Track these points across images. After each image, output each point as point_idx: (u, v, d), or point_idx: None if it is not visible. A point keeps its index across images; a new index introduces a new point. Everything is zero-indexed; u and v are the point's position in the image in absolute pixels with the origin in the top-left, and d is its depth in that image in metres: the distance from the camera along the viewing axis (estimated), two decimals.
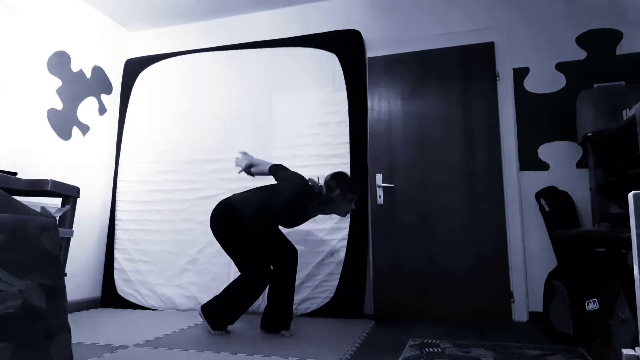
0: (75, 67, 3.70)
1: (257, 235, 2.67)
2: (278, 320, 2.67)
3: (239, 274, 2.68)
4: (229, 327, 2.73)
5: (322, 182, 2.68)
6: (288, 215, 2.71)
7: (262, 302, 3.32)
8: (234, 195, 2.77)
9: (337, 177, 2.67)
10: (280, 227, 2.88)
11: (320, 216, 3.34)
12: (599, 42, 3.17)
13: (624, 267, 2.14)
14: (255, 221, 2.62)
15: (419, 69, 3.51)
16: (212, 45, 3.98)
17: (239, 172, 2.96)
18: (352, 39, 3.58)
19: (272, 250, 2.73)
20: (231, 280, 3.42)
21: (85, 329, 2.78)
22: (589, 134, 2.74)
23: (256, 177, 2.97)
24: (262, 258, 2.63)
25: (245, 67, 3.84)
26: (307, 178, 2.67)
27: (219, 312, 2.68)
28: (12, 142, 3.15)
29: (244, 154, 2.97)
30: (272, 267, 2.70)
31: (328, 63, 3.58)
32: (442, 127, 3.40)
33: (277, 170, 2.79)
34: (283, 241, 2.80)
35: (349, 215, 3.32)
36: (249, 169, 2.93)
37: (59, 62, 3.55)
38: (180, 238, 3.66)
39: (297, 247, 2.86)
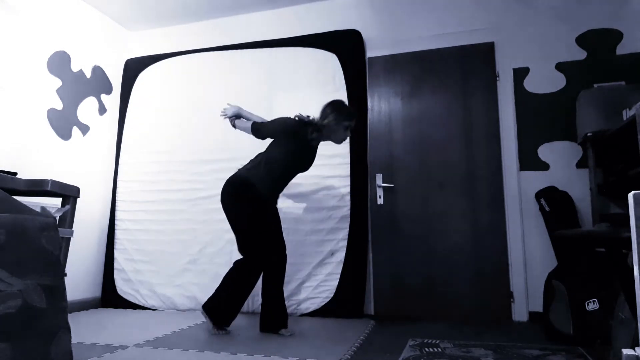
0: (75, 67, 3.70)
1: (270, 206, 2.69)
2: (276, 318, 2.67)
3: (232, 267, 2.69)
4: (230, 327, 2.73)
5: (304, 115, 2.73)
6: (296, 156, 2.70)
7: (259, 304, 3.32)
8: (239, 169, 2.76)
9: (332, 103, 2.72)
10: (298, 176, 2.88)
11: (320, 216, 3.35)
12: (599, 42, 3.17)
13: (624, 267, 2.13)
14: (270, 181, 2.64)
15: (419, 69, 3.51)
16: (212, 45, 3.98)
17: (224, 118, 3.01)
18: (352, 39, 3.58)
19: (270, 240, 2.70)
20: None
21: (85, 329, 2.78)
22: (589, 134, 2.74)
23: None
24: (266, 240, 2.65)
25: (245, 67, 3.84)
26: (292, 116, 2.71)
27: (220, 307, 2.66)
28: (12, 142, 3.15)
29: (232, 106, 3.00)
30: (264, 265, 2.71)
31: (328, 63, 3.58)
32: (442, 127, 3.40)
33: (257, 128, 2.81)
34: (278, 239, 2.75)
35: (348, 215, 3.33)
36: (234, 120, 2.97)
37: (59, 62, 3.55)
38: (180, 238, 3.66)
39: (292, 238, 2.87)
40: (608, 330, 1.97)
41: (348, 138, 3.40)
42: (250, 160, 2.79)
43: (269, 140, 2.85)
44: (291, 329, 2.67)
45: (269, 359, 2.11)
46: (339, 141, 2.79)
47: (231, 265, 3.51)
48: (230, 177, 2.73)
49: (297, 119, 2.70)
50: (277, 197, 2.81)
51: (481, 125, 3.32)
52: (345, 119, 2.67)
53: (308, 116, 2.71)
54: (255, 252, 2.65)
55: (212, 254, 3.55)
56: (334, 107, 2.69)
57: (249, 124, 2.84)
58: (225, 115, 2.98)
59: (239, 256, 3.50)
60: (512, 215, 3.18)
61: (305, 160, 2.79)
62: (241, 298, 2.67)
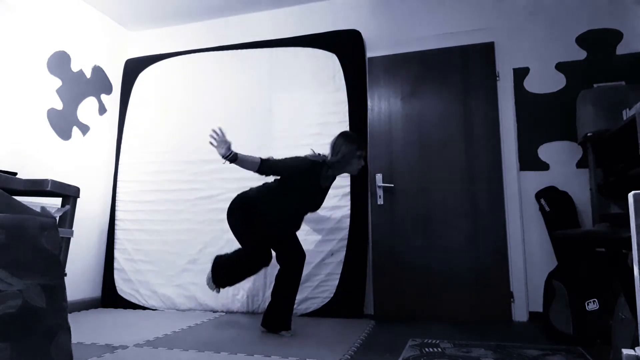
0: (75, 67, 3.70)
1: (277, 236, 2.73)
2: (278, 319, 2.67)
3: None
4: (230, 327, 2.73)
5: (316, 152, 2.68)
6: (305, 195, 2.69)
7: (262, 301, 3.32)
8: (250, 189, 2.75)
9: (341, 136, 2.69)
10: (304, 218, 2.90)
11: (320, 216, 3.35)
12: (599, 42, 3.17)
13: (624, 267, 2.13)
14: (276, 220, 2.67)
15: (419, 69, 3.51)
16: (212, 45, 3.99)
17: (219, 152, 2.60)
18: (352, 39, 3.58)
19: (283, 248, 2.76)
20: None
21: (85, 329, 2.78)
22: (589, 134, 2.74)
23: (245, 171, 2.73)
24: (265, 246, 2.71)
25: (246, 67, 3.84)
26: (302, 156, 2.65)
27: (222, 272, 2.79)
28: (12, 142, 3.15)
29: (222, 139, 2.59)
30: (279, 266, 2.76)
31: (328, 63, 3.58)
32: (442, 127, 3.39)
33: (267, 164, 2.55)
34: (295, 244, 2.81)
35: (348, 215, 3.33)
36: (233, 157, 2.55)
37: (59, 62, 3.55)
38: (180, 238, 3.66)
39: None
40: (608, 330, 1.97)
41: None
42: (259, 188, 2.75)
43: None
44: (291, 330, 2.67)
45: (269, 359, 2.11)
46: (355, 172, 2.77)
47: None
48: (237, 195, 2.77)
49: (309, 158, 2.61)
50: (287, 230, 2.80)
51: (481, 125, 3.32)
52: (357, 148, 2.65)
53: (319, 154, 2.65)
54: (252, 251, 2.71)
55: (212, 254, 3.53)
56: (343, 139, 2.66)
57: (256, 160, 2.54)
58: (221, 151, 2.57)
59: None
60: (512, 215, 3.18)
61: (315, 200, 2.79)
62: (239, 276, 2.83)
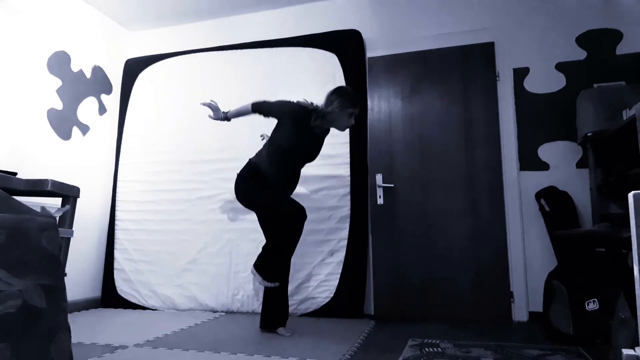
0: (75, 67, 3.70)
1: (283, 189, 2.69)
2: (275, 316, 2.67)
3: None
4: (231, 327, 2.73)
5: (307, 101, 2.71)
6: (300, 142, 2.66)
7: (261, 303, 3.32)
8: (250, 159, 2.76)
9: (337, 90, 2.69)
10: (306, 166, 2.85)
11: (320, 216, 3.35)
12: (599, 42, 3.17)
13: (624, 267, 2.13)
14: (275, 164, 2.63)
15: (419, 69, 3.51)
16: (212, 45, 3.99)
17: (215, 118, 2.91)
18: (352, 39, 3.58)
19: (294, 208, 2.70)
20: (231, 280, 3.44)
21: (85, 329, 2.78)
22: (589, 134, 2.74)
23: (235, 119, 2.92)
24: (290, 200, 2.64)
25: (245, 67, 3.84)
26: (294, 101, 2.68)
27: (269, 267, 2.64)
28: (12, 142, 3.15)
29: (212, 104, 2.91)
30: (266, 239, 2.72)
31: (328, 63, 3.58)
32: (442, 127, 3.39)
33: (259, 105, 2.72)
34: (288, 245, 2.74)
35: (348, 215, 3.33)
36: (225, 113, 2.87)
37: (59, 62, 3.55)
38: (180, 238, 3.66)
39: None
40: (608, 330, 1.97)
41: (348, 138, 3.43)
42: (257, 152, 2.77)
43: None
44: (291, 329, 2.67)
45: (269, 359, 2.11)
46: (342, 128, 2.73)
47: (231, 265, 3.52)
48: (240, 170, 2.74)
49: (299, 103, 2.67)
50: (288, 185, 2.75)
51: (481, 125, 3.32)
52: (349, 105, 2.62)
53: (312, 103, 2.67)
54: (286, 218, 2.59)
55: (212, 254, 3.55)
56: (339, 93, 2.65)
57: (247, 104, 2.75)
58: (216, 116, 2.89)
59: (239, 256, 3.52)
60: (512, 215, 3.18)
61: (309, 148, 2.74)
62: (288, 257, 2.69)
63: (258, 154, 2.74)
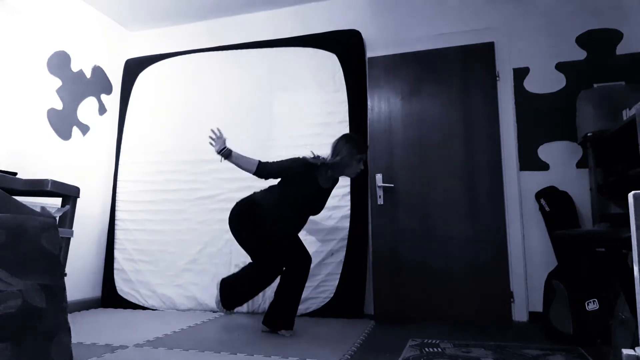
0: (75, 67, 3.70)
1: (280, 237, 2.70)
2: (279, 318, 2.67)
3: (227, 274, 2.71)
4: (231, 327, 2.73)
5: (314, 154, 2.69)
6: (306, 196, 2.68)
7: (262, 301, 3.32)
8: (254, 193, 2.74)
9: (343, 138, 2.70)
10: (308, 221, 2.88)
11: (320, 216, 3.35)
12: (599, 42, 3.17)
13: (624, 267, 2.13)
14: (280, 221, 2.64)
15: (419, 69, 3.51)
16: (212, 45, 3.99)
17: (217, 151, 2.67)
18: (352, 39, 3.58)
19: (288, 250, 2.73)
20: None
21: (85, 329, 2.78)
22: (589, 134, 2.74)
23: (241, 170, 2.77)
24: (278, 252, 2.65)
25: (246, 67, 3.84)
26: (300, 157, 2.66)
27: (232, 293, 2.71)
28: (12, 142, 3.15)
29: (219, 137, 2.70)
30: (284, 267, 2.72)
31: (328, 63, 3.58)
32: (442, 127, 3.39)
33: (264, 167, 2.61)
34: (300, 246, 2.80)
35: (348, 215, 3.33)
36: (228, 150, 2.65)
37: (59, 62, 3.55)
38: (180, 238, 3.66)
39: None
40: (608, 330, 1.97)
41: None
42: (263, 191, 2.74)
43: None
44: (293, 330, 2.66)
45: (269, 359, 2.11)
46: (353, 175, 2.77)
47: (231, 265, 3.51)
48: (240, 200, 2.74)
49: (307, 160, 2.64)
50: (289, 230, 2.77)
51: (481, 125, 3.32)
52: (357, 152, 2.64)
53: (318, 156, 2.67)
54: (266, 261, 2.65)
55: (212, 254, 3.55)
56: (345, 141, 2.67)
57: (254, 161, 2.61)
58: (218, 146, 2.66)
59: (238, 256, 3.51)
60: (512, 215, 3.18)
61: (316, 203, 2.77)
62: (250, 294, 2.76)
63: (264, 196, 2.68)
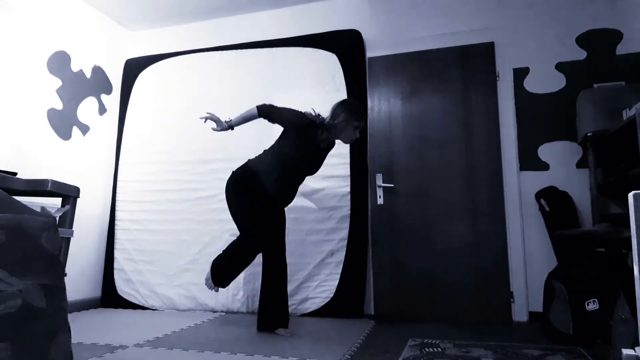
0: (75, 67, 3.70)
1: (275, 204, 2.69)
2: (273, 319, 2.66)
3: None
4: (231, 327, 2.72)
5: (315, 112, 2.70)
6: (305, 155, 2.68)
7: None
8: (249, 160, 2.75)
9: (343, 103, 2.71)
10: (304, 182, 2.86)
11: (320, 216, 3.35)
12: (599, 42, 3.17)
13: (624, 267, 2.14)
14: (275, 174, 2.62)
15: (419, 69, 3.51)
16: (212, 45, 3.98)
17: (219, 129, 2.79)
18: (352, 39, 3.58)
19: (269, 233, 2.70)
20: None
21: (85, 329, 2.78)
22: (589, 134, 2.74)
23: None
24: (259, 229, 2.63)
25: (245, 67, 3.84)
26: (302, 111, 2.68)
27: (218, 270, 2.69)
28: (12, 142, 3.15)
29: (212, 115, 2.80)
30: (263, 261, 2.73)
31: (328, 63, 3.58)
32: (442, 127, 3.39)
33: (267, 110, 2.69)
34: (282, 236, 2.76)
35: (348, 215, 3.33)
36: (227, 122, 2.77)
37: (59, 62, 3.55)
38: (180, 238, 3.66)
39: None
40: (608, 330, 1.97)
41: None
42: (258, 155, 2.76)
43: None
44: (291, 329, 2.66)
45: (269, 359, 2.11)
46: (347, 141, 2.76)
47: None
48: (235, 169, 2.73)
49: (307, 116, 2.65)
50: (284, 198, 2.76)
51: (481, 125, 3.32)
52: (356, 119, 2.64)
53: (319, 115, 2.68)
54: (250, 234, 2.63)
55: (212, 254, 3.52)
56: (345, 106, 2.66)
57: (252, 108, 2.70)
58: (220, 127, 2.77)
59: None
60: (512, 215, 3.18)
61: (312, 162, 2.76)
62: (237, 268, 2.71)
63: (259, 160, 2.70)
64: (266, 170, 2.63)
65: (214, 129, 2.79)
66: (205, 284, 2.76)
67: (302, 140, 2.63)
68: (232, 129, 2.78)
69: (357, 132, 2.68)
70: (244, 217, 2.65)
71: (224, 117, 2.80)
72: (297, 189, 2.81)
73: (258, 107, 2.69)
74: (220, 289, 2.79)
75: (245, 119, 2.74)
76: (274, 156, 2.66)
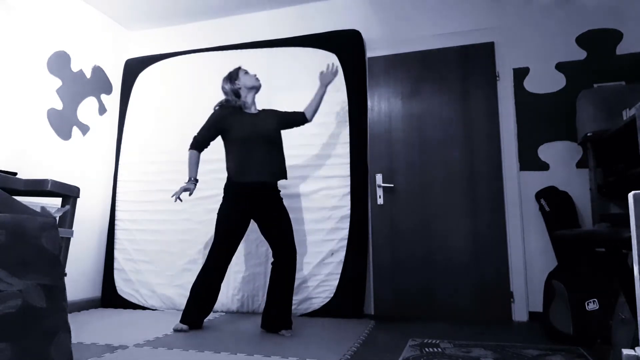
0: (75, 67, 3.70)
1: (261, 197, 2.76)
2: (278, 319, 2.67)
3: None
4: (231, 327, 2.72)
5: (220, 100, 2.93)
6: (245, 128, 2.79)
7: (262, 301, 3.32)
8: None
9: (224, 77, 2.95)
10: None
11: (320, 216, 3.35)
12: (599, 42, 3.17)
13: (624, 267, 2.13)
14: (237, 162, 2.76)
15: (419, 69, 3.51)
16: (212, 45, 3.98)
17: (175, 200, 2.80)
18: (352, 39, 3.58)
19: (272, 234, 2.76)
20: (230, 280, 3.43)
21: (85, 329, 2.78)
22: (589, 134, 2.74)
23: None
24: (228, 241, 2.73)
25: (245, 67, 3.82)
26: (213, 110, 2.92)
27: (187, 307, 2.78)
28: (12, 142, 3.15)
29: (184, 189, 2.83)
30: (274, 259, 2.74)
31: (328, 63, 3.57)
32: (442, 127, 3.40)
33: (197, 138, 2.89)
34: (285, 237, 2.74)
35: (348, 215, 3.32)
36: (194, 181, 2.86)
37: (59, 62, 3.55)
38: (180, 238, 3.66)
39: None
40: (608, 330, 1.97)
41: (348, 138, 3.42)
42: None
43: None
44: (292, 329, 2.66)
45: (269, 359, 2.11)
46: (251, 84, 2.92)
47: (230, 265, 3.50)
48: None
49: (219, 106, 2.89)
50: (269, 172, 2.78)
51: (481, 125, 3.32)
52: (230, 77, 2.91)
53: (226, 99, 2.91)
54: (212, 255, 2.76)
55: None
56: (222, 82, 2.93)
57: (189, 152, 2.87)
58: (192, 188, 2.83)
59: (238, 256, 3.52)
60: (512, 215, 3.18)
61: (258, 126, 2.82)
62: (209, 303, 2.78)
63: (228, 168, 2.83)
64: (236, 170, 2.75)
65: (190, 195, 2.87)
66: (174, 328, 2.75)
67: (235, 123, 2.79)
68: (197, 180, 2.87)
69: (248, 75, 2.92)
70: (217, 223, 2.78)
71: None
72: (278, 160, 2.84)
73: (191, 146, 2.87)
74: (219, 289, 2.81)
75: (197, 163, 2.87)
76: (233, 156, 2.78)
